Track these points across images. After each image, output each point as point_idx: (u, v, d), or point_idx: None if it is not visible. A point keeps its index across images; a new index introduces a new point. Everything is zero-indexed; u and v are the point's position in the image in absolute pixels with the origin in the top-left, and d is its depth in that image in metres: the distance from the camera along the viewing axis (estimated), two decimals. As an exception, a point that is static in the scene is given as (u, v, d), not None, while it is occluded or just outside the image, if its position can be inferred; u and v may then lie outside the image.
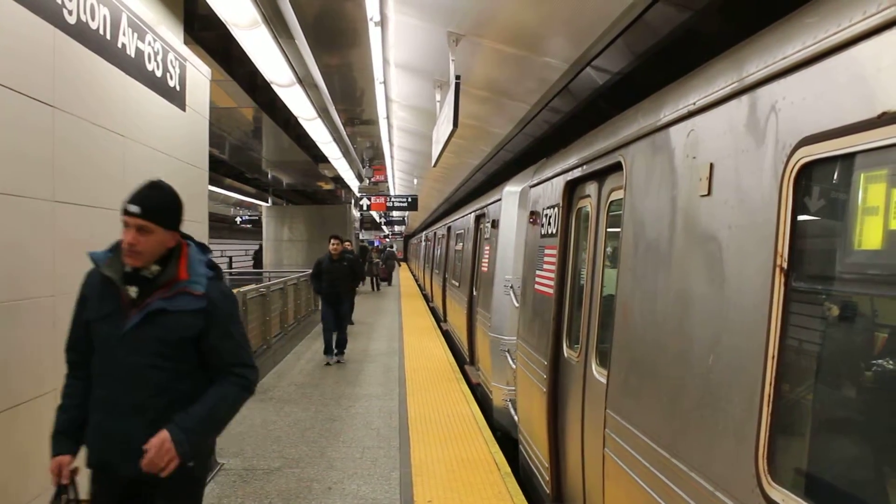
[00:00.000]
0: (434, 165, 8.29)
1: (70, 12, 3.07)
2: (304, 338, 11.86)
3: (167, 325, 2.21)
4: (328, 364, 9.18)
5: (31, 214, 2.86)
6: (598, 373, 3.39)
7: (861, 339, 1.78)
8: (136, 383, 2.20)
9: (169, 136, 4.37)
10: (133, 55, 3.75)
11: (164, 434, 2.14)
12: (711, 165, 2.18)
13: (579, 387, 3.64)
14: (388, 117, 9.81)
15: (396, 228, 41.42)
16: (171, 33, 4.34)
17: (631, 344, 2.85)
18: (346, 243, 10.62)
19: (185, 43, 4.76)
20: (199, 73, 4.91)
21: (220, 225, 33.56)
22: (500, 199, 7.07)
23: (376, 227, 42.76)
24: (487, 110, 7.93)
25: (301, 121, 9.42)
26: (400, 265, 43.23)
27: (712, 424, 2.08)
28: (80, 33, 3.17)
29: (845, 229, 1.70)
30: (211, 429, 2.37)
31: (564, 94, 5.99)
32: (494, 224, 7.33)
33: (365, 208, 20.67)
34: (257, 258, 28.33)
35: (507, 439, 6.11)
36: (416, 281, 29.86)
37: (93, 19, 3.28)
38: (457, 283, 11.02)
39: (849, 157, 1.60)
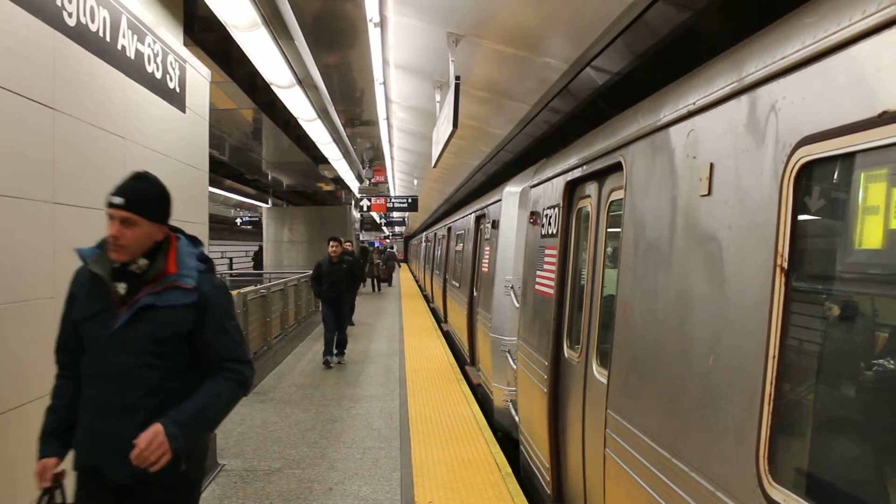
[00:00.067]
0: (434, 166, 8.29)
1: (70, 14, 3.07)
2: (304, 339, 11.86)
3: (157, 322, 2.13)
4: (329, 365, 9.17)
5: (31, 216, 2.86)
6: (598, 373, 3.39)
7: (861, 339, 1.78)
8: (127, 383, 2.12)
9: (169, 137, 4.37)
10: (133, 57, 3.75)
11: (157, 427, 2.05)
12: (711, 165, 2.18)
13: (580, 387, 3.64)
14: (387, 118, 9.81)
15: (397, 229, 41.41)
16: (170, 35, 4.34)
17: (631, 344, 2.85)
18: (347, 244, 10.60)
19: (185, 45, 4.76)
20: (198, 75, 4.91)
21: (221, 226, 33.59)
22: (500, 200, 7.07)
23: (376, 227, 42.79)
24: (487, 111, 7.93)
25: (301, 122, 9.42)
26: (400, 266, 43.23)
27: (713, 424, 2.08)
28: (80, 35, 3.18)
29: (845, 229, 1.69)
30: (205, 424, 2.27)
31: (564, 95, 5.99)
32: (495, 224, 7.33)
33: (365, 209, 20.67)
34: (257, 259, 28.35)
35: (507, 440, 6.11)
36: (417, 281, 29.86)
37: (92, 21, 3.28)
38: (457, 284, 11.02)
39: (849, 157, 1.60)
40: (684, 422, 2.27)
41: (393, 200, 20.02)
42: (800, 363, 1.84)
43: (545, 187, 4.76)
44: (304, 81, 7.48)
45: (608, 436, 2.98)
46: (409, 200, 20.01)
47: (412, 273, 37.44)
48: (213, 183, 15.18)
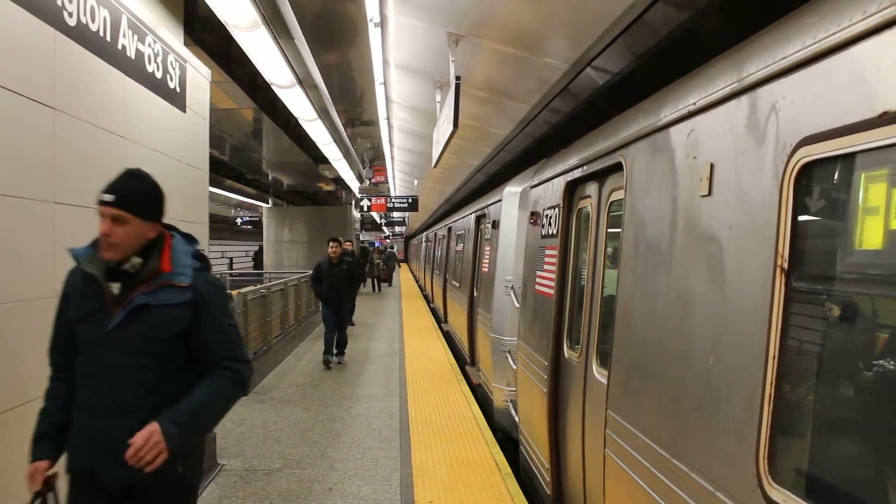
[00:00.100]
0: (434, 166, 8.29)
1: (70, 14, 3.07)
2: (304, 339, 11.86)
3: (152, 322, 2.09)
4: (329, 365, 9.16)
5: (31, 216, 2.86)
6: (598, 373, 3.39)
7: (862, 340, 1.77)
8: (122, 384, 2.08)
9: (169, 137, 4.37)
10: (133, 57, 3.75)
11: (153, 426, 2.01)
12: (712, 165, 2.18)
13: (580, 387, 3.63)
14: (388, 118, 9.81)
15: (397, 229, 41.41)
16: (171, 35, 4.34)
17: (632, 344, 2.85)
18: (347, 244, 10.58)
19: (186, 44, 4.76)
20: (199, 75, 4.91)
21: (221, 226, 33.61)
22: (500, 200, 7.07)
23: (377, 227, 42.80)
24: (488, 111, 7.93)
25: (301, 122, 9.42)
26: (400, 266, 43.24)
27: (713, 425, 2.08)
28: (81, 35, 3.18)
29: (846, 229, 1.69)
30: (203, 424, 2.23)
31: (564, 95, 5.99)
32: (495, 225, 7.33)
33: (365, 209, 20.67)
34: (257, 259, 28.36)
35: (507, 440, 6.11)
36: (417, 282, 29.86)
37: (93, 21, 3.28)
38: (457, 284, 11.02)
39: (849, 157, 1.60)
40: (684, 422, 2.27)
41: (393, 200, 20.02)
42: (800, 364, 1.84)
43: (545, 187, 4.76)
44: (304, 81, 7.48)
45: (608, 436, 2.98)
46: (410, 200, 20.01)
47: (412, 273, 37.44)
48: (213, 183, 15.19)
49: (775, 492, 1.72)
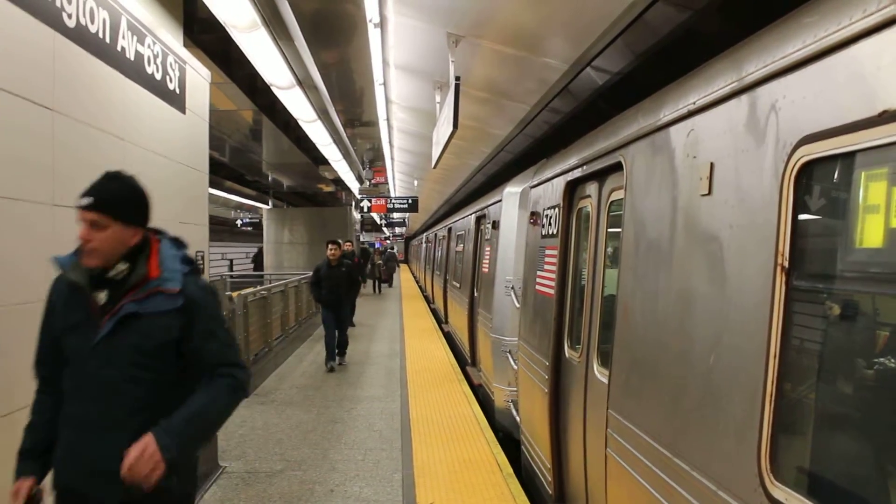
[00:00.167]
0: (434, 167, 8.29)
1: (70, 16, 3.07)
2: (305, 340, 11.86)
3: (142, 331, 1.98)
4: (331, 369, 9.09)
5: (31, 218, 2.86)
6: (599, 373, 3.39)
7: (862, 338, 1.77)
8: (112, 398, 1.96)
9: (169, 138, 4.37)
10: (132, 58, 3.75)
11: (147, 438, 1.88)
12: (712, 165, 2.18)
13: (581, 387, 3.63)
14: (388, 119, 9.81)
15: (397, 230, 41.41)
16: (170, 36, 4.34)
17: (632, 344, 2.85)
18: (347, 244, 10.56)
19: (185, 46, 4.76)
20: (198, 76, 4.91)
21: (221, 228, 33.61)
22: (500, 200, 7.07)
23: (377, 228, 42.78)
24: (487, 111, 7.93)
25: (301, 123, 9.42)
26: (400, 266, 43.24)
27: (714, 423, 2.07)
28: (80, 37, 3.18)
29: (846, 228, 1.69)
30: (200, 433, 2.09)
31: (564, 95, 5.99)
32: (495, 225, 7.33)
33: (365, 210, 20.66)
34: (257, 261, 28.34)
35: (508, 440, 6.11)
36: (417, 282, 29.86)
37: (92, 23, 3.28)
38: (458, 285, 11.02)
39: (849, 156, 1.60)
40: (686, 421, 2.27)
41: (393, 201, 20.01)
42: (801, 362, 1.84)
43: (545, 187, 4.76)
44: (303, 82, 7.48)
45: (609, 435, 2.98)
46: (410, 201, 20.00)
47: (413, 274, 37.44)
48: (213, 184, 15.18)
49: (777, 490, 1.72)
